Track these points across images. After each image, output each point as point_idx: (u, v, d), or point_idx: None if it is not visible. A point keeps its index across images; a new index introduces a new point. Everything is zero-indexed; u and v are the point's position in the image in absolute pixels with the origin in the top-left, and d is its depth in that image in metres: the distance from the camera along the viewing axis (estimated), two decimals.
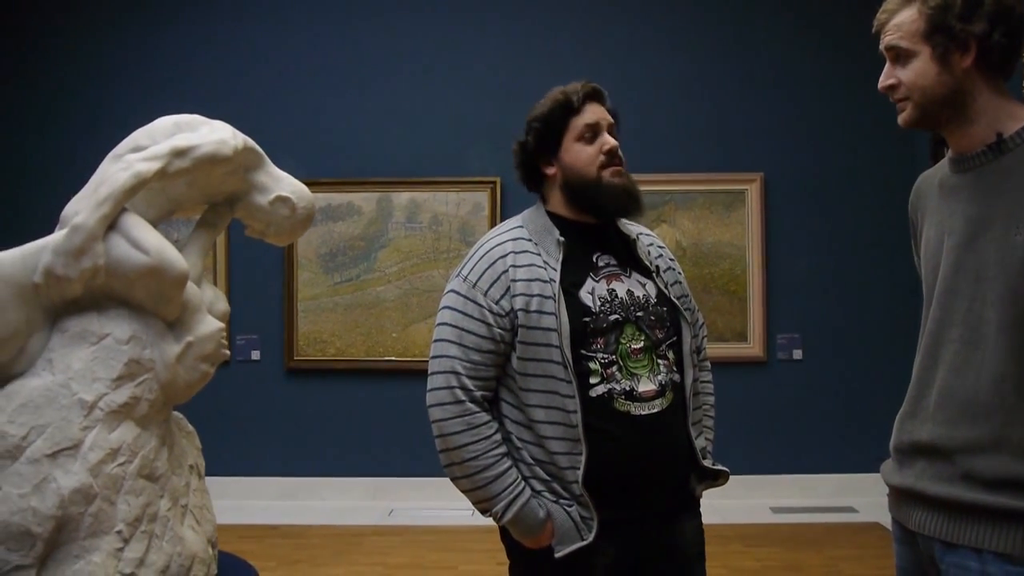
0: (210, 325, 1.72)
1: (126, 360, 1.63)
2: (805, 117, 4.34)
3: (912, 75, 1.44)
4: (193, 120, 1.76)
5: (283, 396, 4.35)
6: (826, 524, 3.99)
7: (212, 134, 1.70)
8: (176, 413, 1.84)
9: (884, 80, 1.49)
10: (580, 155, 1.80)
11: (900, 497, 1.56)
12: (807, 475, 4.27)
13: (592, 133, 1.80)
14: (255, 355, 4.35)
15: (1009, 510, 1.35)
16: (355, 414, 4.33)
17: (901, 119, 1.50)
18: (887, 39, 1.47)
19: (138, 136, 1.73)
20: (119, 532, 1.57)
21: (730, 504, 4.06)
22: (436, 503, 3.90)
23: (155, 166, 1.60)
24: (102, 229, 1.59)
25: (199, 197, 1.82)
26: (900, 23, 1.45)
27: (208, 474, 4.35)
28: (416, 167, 4.35)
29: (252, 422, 4.35)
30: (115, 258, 1.59)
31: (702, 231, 4.29)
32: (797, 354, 4.30)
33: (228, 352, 1.79)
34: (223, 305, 1.84)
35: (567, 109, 1.79)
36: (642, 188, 4.51)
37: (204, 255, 1.83)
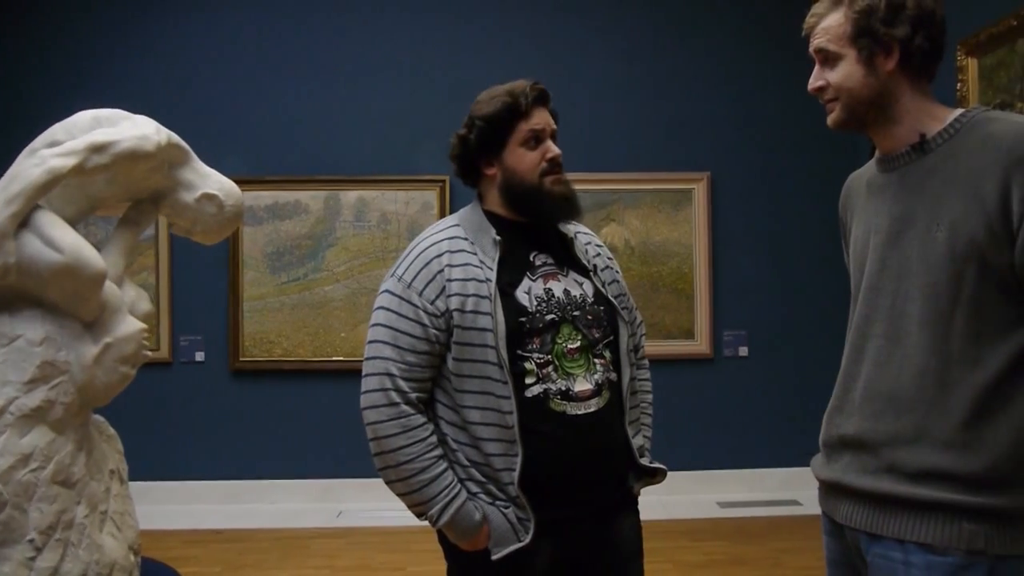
0: (130, 326, 1.67)
1: (39, 362, 1.58)
2: (751, 117, 4.39)
3: (839, 77, 1.48)
4: (114, 115, 1.70)
5: (229, 398, 4.28)
6: (771, 517, 4.06)
7: (133, 129, 1.65)
8: (97, 416, 1.79)
9: (813, 82, 1.52)
10: (523, 160, 1.79)
11: (828, 490, 1.59)
12: (753, 470, 4.33)
13: (536, 139, 1.80)
14: (199, 356, 4.26)
15: (930, 501, 1.39)
16: (302, 415, 4.27)
17: (830, 120, 1.53)
18: (815, 42, 1.50)
19: (55, 131, 1.67)
20: (31, 541, 1.52)
21: (677, 500, 4.10)
22: (385, 504, 3.81)
23: (71, 162, 1.55)
24: (12, 226, 1.53)
25: (121, 194, 1.77)
26: (828, 26, 1.48)
27: (152, 478, 4.31)
28: (365, 165, 4.31)
29: (197, 425, 4.27)
30: (27, 257, 1.54)
31: (650, 230, 4.32)
32: (743, 351, 4.35)
33: (150, 353, 1.75)
34: (146, 305, 1.79)
35: (514, 112, 1.78)
36: (591, 187, 4.57)
37: (126, 254, 1.78)
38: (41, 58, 4.25)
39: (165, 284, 4.22)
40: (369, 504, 4.07)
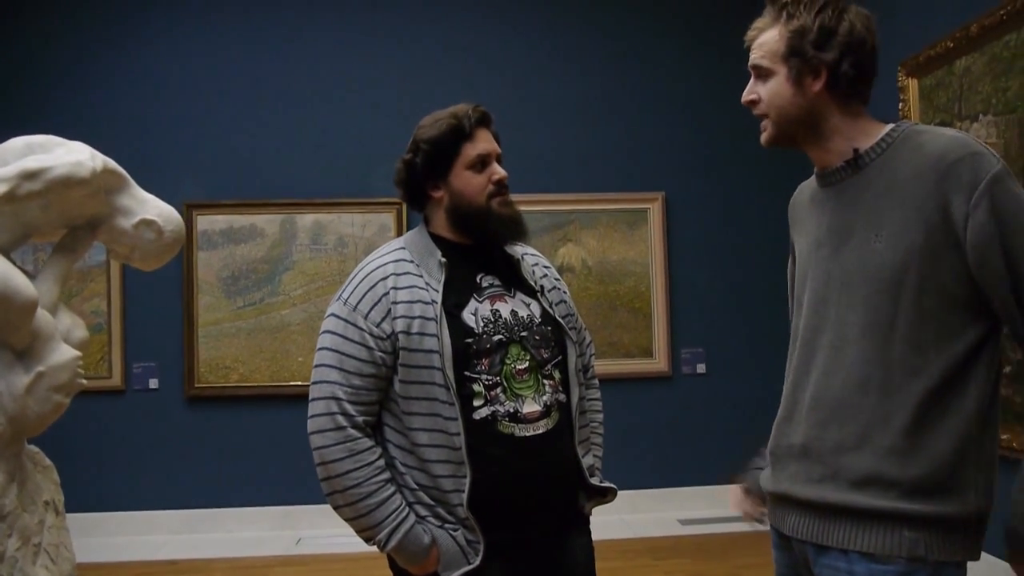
0: (64, 354, 1.64)
1: None
2: (703, 137, 4.46)
3: (769, 93, 1.52)
4: (48, 141, 1.68)
5: (184, 425, 4.21)
6: (732, 534, 4.07)
7: (67, 155, 1.63)
8: (32, 447, 1.75)
9: (746, 95, 1.56)
10: (470, 183, 1.80)
11: (776, 502, 1.61)
12: (713, 486, 4.35)
13: (483, 163, 1.81)
14: (153, 383, 4.19)
15: (872, 510, 1.41)
16: (260, 441, 4.22)
17: (762, 139, 1.58)
18: (752, 56, 1.54)
19: None
20: None
21: (639, 518, 4.11)
22: (345, 530, 3.80)
23: (1, 189, 1.53)
24: None
25: (57, 221, 1.74)
26: (764, 42, 1.52)
27: (105, 509, 4.21)
28: (320, 188, 4.30)
29: (151, 453, 4.19)
30: None
31: (606, 249, 4.35)
32: (701, 368, 4.39)
33: (85, 382, 1.71)
34: (81, 333, 1.76)
35: (459, 134, 1.79)
36: (547, 208, 4.60)
37: (61, 281, 1.75)
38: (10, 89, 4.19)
39: (117, 310, 4.16)
40: (329, 531, 4.01)
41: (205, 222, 4.21)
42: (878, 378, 1.42)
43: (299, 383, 4.18)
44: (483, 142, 1.81)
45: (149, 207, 1.79)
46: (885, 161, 1.46)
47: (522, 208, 1.90)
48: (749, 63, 1.55)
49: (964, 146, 1.38)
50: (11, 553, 1.52)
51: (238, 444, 4.22)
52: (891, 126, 1.49)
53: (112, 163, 1.75)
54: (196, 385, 4.19)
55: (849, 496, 1.44)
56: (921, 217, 1.39)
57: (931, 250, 1.38)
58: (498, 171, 1.82)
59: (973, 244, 1.35)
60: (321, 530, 4.09)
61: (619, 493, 1.90)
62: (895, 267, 1.40)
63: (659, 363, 4.35)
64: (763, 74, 1.53)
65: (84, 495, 3.94)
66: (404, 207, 4.22)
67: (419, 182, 1.84)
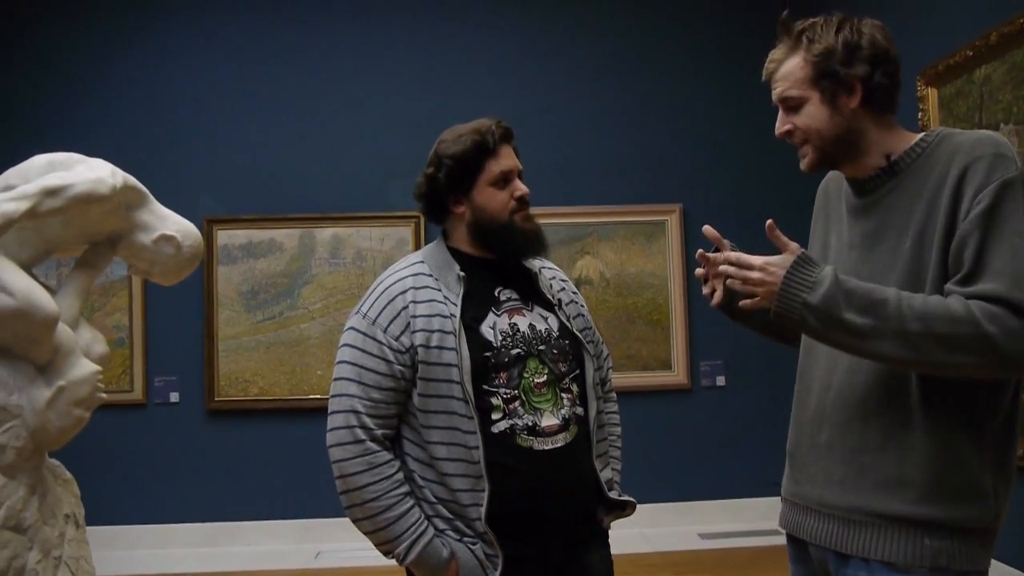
0: (84, 368, 1.66)
1: None
2: (721, 149, 4.45)
3: (806, 120, 1.52)
4: (69, 158, 1.71)
5: (204, 439, 4.23)
6: (753, 548, 4.03)
7: (88, 172, 1.65)
8: (52, 460, 1.77)
9: (780, 127, 1.56)
10: (493, 199, 1.82)
11: (793, 506, 1.59)
12: (734, 500, 4.32)
13: (505, 179, 1.82)
14: (174, 397, 4.22)
15: (893, 515, 1.40)
16: (280, 455, 4.23)
17: (803, 165, 1.58)
18: (777, 90, 1.54)
19: (10, 175, 1.68)
20: None
21: (659, 532, 4.08)
22: (364, 543, 3.80)
23: (23, 206, 1.55)
24: None
25: (78, 237, 1.77)
26: (788, 72, 1.52)
27: (126, 522, 4.23)
28: (339, 202, 4.32)
29: (172, 467, 4.22)
30: None
31: (624, 262, 4.34)
32: (720, 380, 4.36)
33: (105, 396, 1.73)
34: (101, 347, 1.78)
35: (483, 150, 1.81)
36: (565, 221, 4.60)
37: (82, 296, 1.77)
38: (8, 100, 4.25)
39: (139, 325, 4.20)
40: (348, 544, 4.01)
41: (225, 236, 4.25)
42: (901, 378, 1.42)
43: (318, 396, 4.19)
44: (506, 158, 1.83)
45: (169, 223, 1.81)
46: (920, 166, 1.47)
47: (540, 221, 1.91)
48: (775, 97, 1.55)
49: (992, 145, 1.38)
50: (32, 566, 1.53)
51: (257, 457, 4.24)
52: (924, 133, 1.50)
53: (132, 179, 1.77)
54: (216, 399, 4.22)
55: (870, 499, 1.43)
56: (939, 214, 1.39)
57: (945, 245, 1.38)
58: (520, 187, 1.84)
59: (957, 235, 1.36)
60: (340, 543, 4.08)
61: (638, 507, 1.89)
62: (920, 265, 1.40)
63: (678, 376, 4.33)
64: (794, 104, 1.53)
65: (105, 508, 3.97)
66: (422, 221, 4.24)
67: (441, 197, 1.85)
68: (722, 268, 1.48)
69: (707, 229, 1.61)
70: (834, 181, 1.68)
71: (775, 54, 1.55)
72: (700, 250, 1.64)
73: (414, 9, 4.44)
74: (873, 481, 1.43)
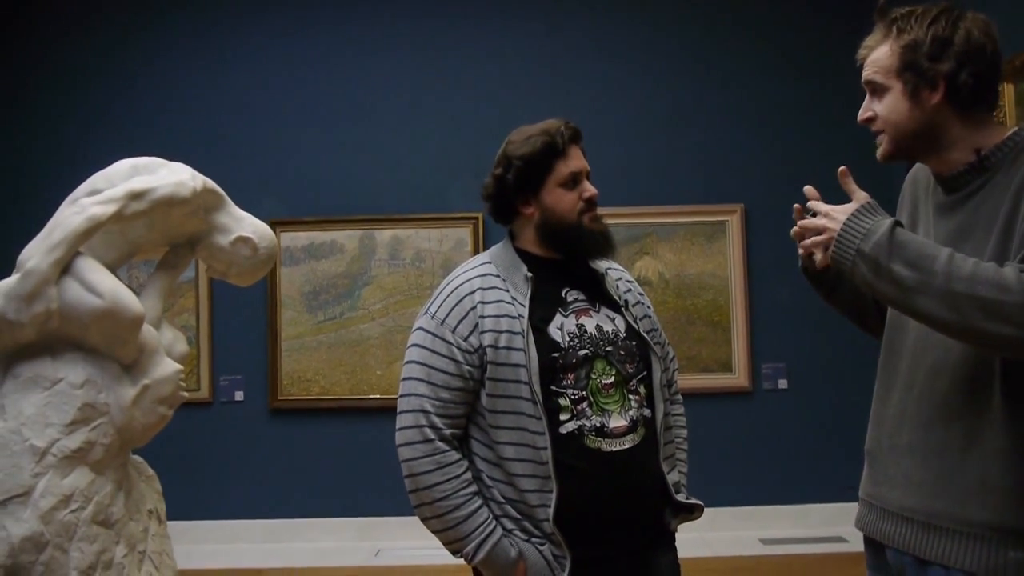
0: (168, 367, 1.71)
1: (80, 404, 1.62)
2: (784, 148, 4.37)
3: (886, 109, 1.50)
4: (152, 163, 1.77)
5: (267, 437, 4.31)
6: (816, 555, 3.94)
7: (170, 176, 1.71)
8: (136, 457, 1.83)
9: (862, 113, 1.55)
10: (562, 200, 1.83)
11: (871, 507, 1.56)
12: (796, 505, 4.23)
13: (574, 180, 1.83)
14: (239, 396, 4.31)
15: (977, 523, 1.36)
16: (340, 453, 4.29)
17: (878, 154, 1.56)
18: (865, 73, 1.53)
19: (96, 179, 1.74)
20: None
21: (719, 536, 4.02)
22: (423, 542, 3.80)
23: (110, 209, 1.61)
24: (55, 273, 1.59)
25: (159, 239, 1.83)
26: (876, 59, 1.50)
27: (193, 518, 4.33)
28: (398, 204, 4.37)
29: (237, 464, 4.31)
30: (68, 302, 1.60)
31: (684, 263, 4.30)
32: (782, 383, 4.28)
33: (186, 394, 1.79)
34: (182, 347, 1.84)
35: (552, 151, 1.81)
36: (624, 221, 4.58)
37: (164, 297, 1.83)
38: (79, 108, 4.40)
39: (205, 325, 4.30)
40: (408, 542, 4.05)
41: (288, 239, 4.33)
42: (986, 377, 1.38)
43: (377, 396, 4.24)
44: (575, 160, 1.83)
45: (245, 225, 1.87)
46: (1011, 162, 1.42)
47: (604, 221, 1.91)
48: (863, 79, 1.53)
49: None
50: (118, 560, 1.59)
51: (318, 455, 4.31)
52: (1017, 127, 1.46)
53: (211, 183, 1.83)
54: (279, 398, 4.30)
55: (952, 505, 1.39)
56: None
57: None
58: (589, 188, 1.85)
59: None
60: (400, 541, 4.12)
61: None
62: (1002, 259, 1.36)
63: (739, 378, 4.26)
64: (878, 90, 1.51)
65: (174, 505, 4.07)
66: (481, 221, 4.26)
67: (509, 198, 1.86)
68: (801, 221, 1.49)
69: (808, 189, 1.61)
70: (923, 172, 1.64)
71: (869, 40, 1.54)
72: (796, 205, 1.64)
73: (477, 11, 4.46)
74: (955, 486, 1.39)
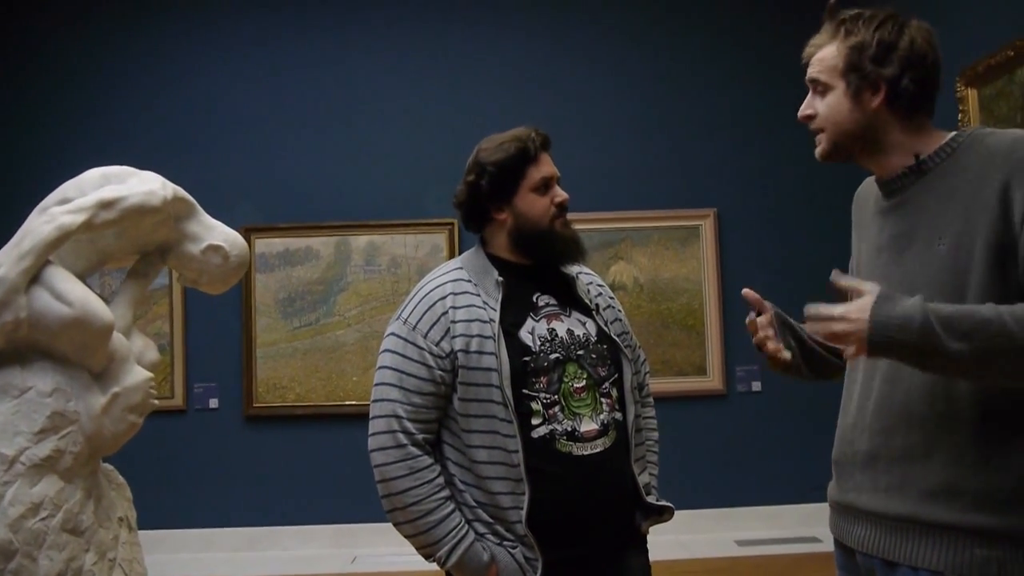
0: (138, 375, 1.71)
1: (49, 413, 1.62)
2: (756, 152, 4.42)
3: (827, 108, 1.53)
4: (122, 171, 1.78)
5: (243, 444, 4.29)
6: (791, 555, 3.98)
7: (140, 185, 1.71)
8: (106, 465, 1.82)
9: (803, 109, 1.58)
10: (535, 206, 1.86)
11: (840, 513, 1.59)
12: (771, 506, 4.27)
13: (546, 185, 1.85)
14: (213, 403, 4.28)
15: (940, 523, 1.38)
16: (316, 460, 4.27)
17: (817, 152, 1.59)
18: (810, 71, 1.56)
19: (66, 188, 1.74)
20: None
21: (695, 538, 4.05)
22: (399, 548, 3.79)
23: (80, 218, 1.61)
24: (24, 282, 1.59)
25: (130, 247, 1.83)
26: (823, 57, 1.53)
27: (167, 527, 4.29)
28: (374, 210, 4.36)
29: (211, 472, 4.27)
30: (38, 311, 1.59)
31: (658, 267, 4.33)
32: (756, 386, 4.33)
33: (157, 402, 1.78)
34: (153, 355, 1.84)
35: (525, 157, 1.84)
36: (598, 226, 4.60)
37: (134, 305, 1.83)
38: (50, 115, 4.35)
39: (179, 332, 4.27)
40: (384, 549, 4.05)
41: (262, 245, 4.31)
42: (943, 384, 1.40)
43: (353, 402, 4.23)
44: (546, 165, 1.87)
45: (216, 233, 1.87)
46: (949, 166, 1.45)
47: (573, 227, 1.93)
48: (807, 77, 1.55)
49: None
50: (88, 567, 1.58)
51: (294, 463, 4.29)
52: (955, 132, 1.49)
53: (181, 191, 1.83)
54: (254, 405, 4.28)
55: (917, 507, 1.42)
56: (984, 218, 1.37)
57: (993, 251, 1.36)
58: (560, 194, 1.87)
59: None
60: (376, 548, 4.11)
61: (675, 513, 1.89)
62: (958, 270, 1.39)
63: (713, 381, 4.30)
64: (821, 88, 1.53)
65: (148, 513, 4.03)
66: (456, 228, 4.26)
67: (483, 204, 1.88)
68: (809, 327, 1.44)
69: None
70: (865, 189, 1.68)
71: (816, 38, 1.57)
72: (748, 318, 1.64)
73: (447, 18, 4.47)
74: (920, 490, 1.42)
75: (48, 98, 4.37)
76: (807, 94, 1.59)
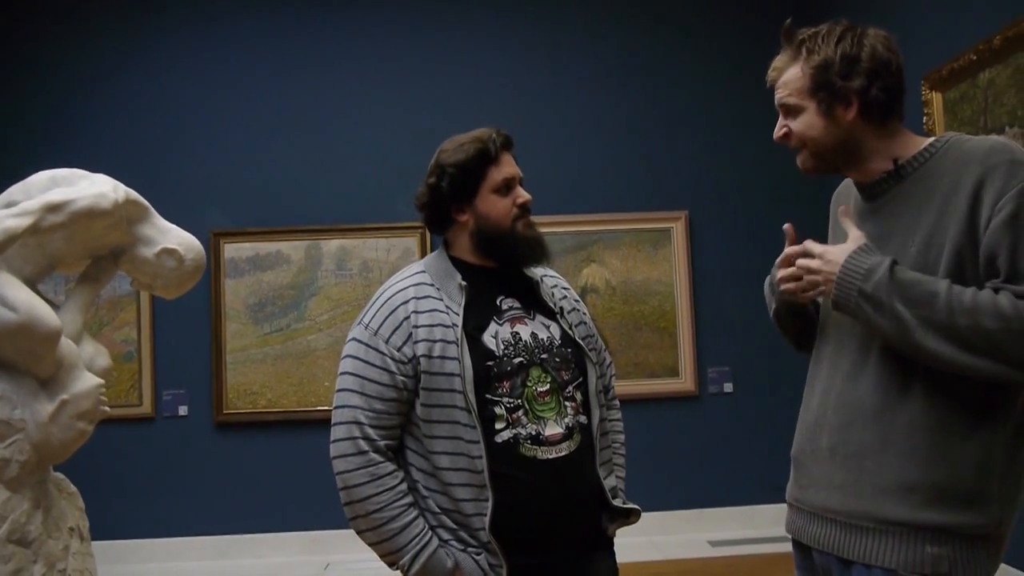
0: (87, 382, 1.68)
1: None
2: (727, 155, 4.44)
3: (802, 127, 1.53)
4: (72, 174, 1.74)
5: (213, 451, 4.24)
6: (763, 555, 4.00)
7: (90, 188, 1.68)
8: (57, 474, 1.78)
9: (777, 131, 1.58)
10: (496, 206, 1.83)
11: (797, 511, 1.59)
12: (743, 507, 4.29)
13: (507, 186, 1.84)
14: (182, 410, 4.23)
15: (893, 520, 1.39)
16: (288, 467, 4.23)
17: (800, 164, 1.58)
18: (777, 96, 1.56)
19: (13, 191, 1.70)
20: None
21: (668, 540, 4.06)
22: (372, 555, 3.79)
23: (25, 222, 1.57)
24: None
25: (81, 251, 1.79)
26: (787, 80, 1.54)
27: (138, 536, 4.24)
28: (344, 213, 4.34)
29: (182, 480, 4.23)
30: None
31: (630, 269, 4.34)
32: (728, 387, 4.35)
33: (108, 409, 1.75)
34: (104, 361, 1.80)
35: (485, 158, 1.82)
36: (570, 229, 4.60)
37: (85, 311, 1.79)
38: (10, 116, 4.28)
39: (147, 338, 4.21)
40: (356, 555, 4.00)
41: (232, 250, 4.27)
42: (900, 382, 1.42)
43: (326, 408, 4.18)
44: (508, 166, 1.85)
45: (170, 236, 1.84)
46: (927, 170, 1.46)
47: (544, 229, 1.92)
48: (776, 102, 1.56)
49: (1006, 152, 1.38)
50: None
51: (266, 469, 4.25)
52: (934, 137, 1.50)
53: (134, 194, 1.79)
54: (224, 411, 4.23)
55: (871, 505, 1.43)
56: (953, 221, 1.39)
57: (958, 254, 1.38)
58: (522, 194, 1.85)
59: (985, 244, 1.35)
60: (349, 555, 4.08)
61: (648, 515, 1.89)
62: (927, 271, 1.40)
63: (685, 382, 4.31)
64: (791, 111, 1.54)
65: (117, 522, 3.98)
66: (427, 231, 4.24)
67: (444, 205, 1.86)
68: (796, 262, 1.51)
69: (787, 227, 1.64)
70: (845, 189, 1.69)
71: (777, 62, 1.57)
72: (787, 226, 1.67)
73: (416, 22, 4.46)
74: (874, 486, 1.43)
75: (5, 100, 4.29)
76: (774, 97, 1.59)
